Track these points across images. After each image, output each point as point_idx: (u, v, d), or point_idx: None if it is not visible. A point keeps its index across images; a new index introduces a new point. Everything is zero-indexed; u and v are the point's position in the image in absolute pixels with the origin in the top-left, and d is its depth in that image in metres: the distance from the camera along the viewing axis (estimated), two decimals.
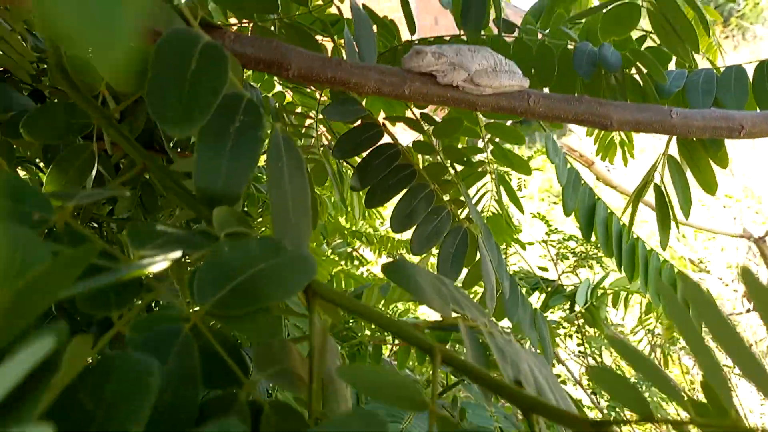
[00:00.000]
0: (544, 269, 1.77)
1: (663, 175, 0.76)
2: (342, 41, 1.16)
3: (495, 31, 0.82)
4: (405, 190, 0.75)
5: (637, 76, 0.76)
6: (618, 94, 0.73)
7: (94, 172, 0.64)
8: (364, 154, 0.76)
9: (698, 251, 3.28)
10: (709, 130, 0.58)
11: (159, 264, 0.32)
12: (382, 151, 0.76)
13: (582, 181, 0.99)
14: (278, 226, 0.41)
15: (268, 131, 0.44)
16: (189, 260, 0.50)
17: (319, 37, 0.78)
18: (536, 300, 1.82)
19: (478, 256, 0.79)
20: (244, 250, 0.36)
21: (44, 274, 0.23)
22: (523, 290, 1.79)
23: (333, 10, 0.95)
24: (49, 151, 0.71)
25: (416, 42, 0.87)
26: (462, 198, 0.87)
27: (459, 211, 0.91)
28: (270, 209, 0.41)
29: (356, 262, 2.10)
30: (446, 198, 0.83)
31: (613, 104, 0.56)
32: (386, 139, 0.79)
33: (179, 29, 0.39)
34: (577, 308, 1.57)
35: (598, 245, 1.09)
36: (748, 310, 2.77)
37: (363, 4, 0.86)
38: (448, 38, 0.84)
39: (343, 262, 2.05)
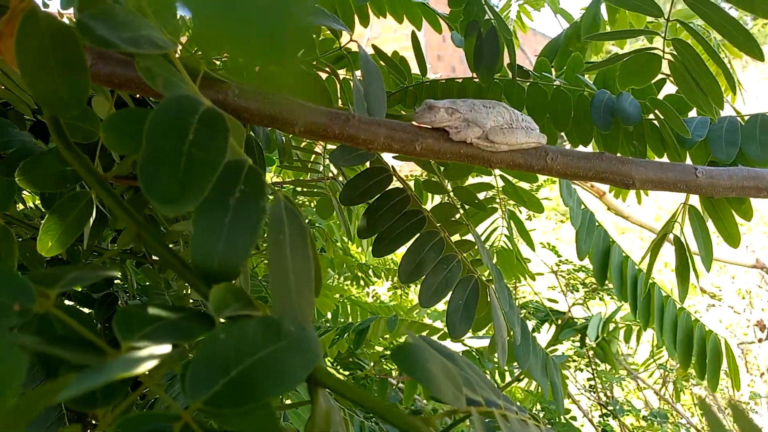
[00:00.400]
0: (554, 301, 1.73)
1: (683, 225, 0.73)
2: (346, 73, 1.14)
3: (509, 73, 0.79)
4: (414, 238, 0.73)
5: (656, 122, 0.73)
6: (636, 141, 0.71)
7: (92, 219, 0.62)
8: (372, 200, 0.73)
9: (709, 278, 3.23)
10: (737, 190, 0.55)
11: (146, 363, 0.30)
12: (391, 197, 0.74)
13: (596, 224, 0.96)
14: (278, 303, 0.38)
15: (270, 196, 0.41)
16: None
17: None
18: (546, 332, 1.78)
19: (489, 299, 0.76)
20: (241, 335, 0.33)
21: (9, 412, 0.20)
22: (532, 323, 1.75)
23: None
24: (46, 197, 0.68)
25: (428, 82, 0.85)
26: (471, 238, 0.85)
27: (468, 251, 0.88)
28: (269, 284, 0.39)
29: (362, 282, 2.07)
30: (455, 238, 0.80)
31: (636, 162, 0.53)
32: (394, 182, 0.77)
33: (177, 97, 0.37)
34: (588, 341, 1.53)
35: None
36: (760, 340, 2.72)
37: (372, 45, 0.84)
38: (460, 80, 0.82)
39: (348, 282, 2.01)
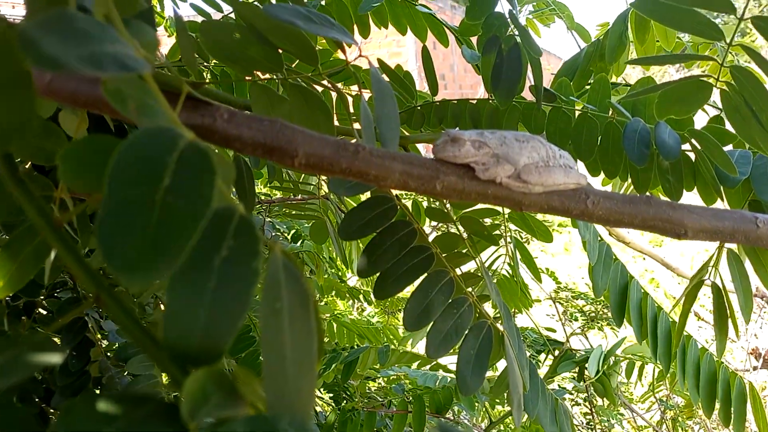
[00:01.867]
0: (552, 330, 1.66)
1: (716, 270, 0.66)
2: (350, 89, 1.06)
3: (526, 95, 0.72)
4: (421, 278, 0.65)
5: (691, 154, 0.66)
6: (671, 176, 0.63)
7: (53, 254, 0.54)
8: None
9: (706, 305, 3.19)
10: None
11: None
12: (395, 231, 0.66)
13: (613, 258, 0.89)
14: (272, 394, 0.30)
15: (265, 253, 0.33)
16: None
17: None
18: (543, 361, 1.71)
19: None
20: None
21: None
22: (529, 353, 1.68)
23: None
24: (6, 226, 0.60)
25: (437, 102, 0.77)
26: (479, 273, 0.77)
27: (474, 288, 0.81)
28: (262, 363, 0.30)
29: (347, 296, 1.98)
30: (458, 272, 0.73)
31: (688, 208, 0.46)
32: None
33: (151, 129, 0.29)
34: (587, 372, 1.46)
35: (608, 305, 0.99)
36: (755, 368, 2.67)
37: (378, 59, 0.77)
38: (474, 101, 0.74)
39: (333, 293, 1.92)
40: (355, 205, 0.80)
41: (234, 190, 0.68)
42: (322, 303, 1.79)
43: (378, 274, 0.64)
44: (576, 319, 1.70)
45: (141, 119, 0.34)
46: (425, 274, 0.65)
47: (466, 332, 0.63)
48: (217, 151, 0.52)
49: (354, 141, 0.43)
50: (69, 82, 0.40)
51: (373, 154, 0.43)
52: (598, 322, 1.67)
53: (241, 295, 0.29)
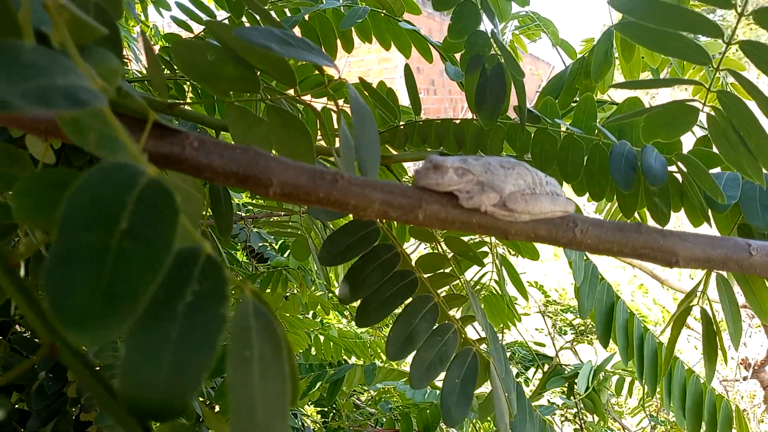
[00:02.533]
0: (541, 344, 1.64)
1: (704, 295, 0.64)
2: (338, 102, 1.04)
3: (514, 116, 0.70)
4: (405, 305, 0.63)
5: (678, 175, 0.65)
6: (658, 199, 0.62)
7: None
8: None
9: (695, 314, 3.19)
10: None
11: None
12: (378, 255, 0.64)
13: (600, 278, 0.87)
14: None
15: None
16: None
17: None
18: (532, 376, 1.69)
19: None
20: None
21: None
22: (516, 369, 1.66)
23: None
24: None
25: (420, 121, 0.75)
26: (463, 293, 0.75)
27: (458, 310, 0.79)
28: (230, 414, 0.28)
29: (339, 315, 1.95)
30: (442, 293, 0.71)
31: (679, 236, 0.45)
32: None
33: (107, 166, 0.27)
34: (577, 388, 1.44)
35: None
36: (744, 378, 2.67)
37: (360, 78, 0.75)
38: (458, 121, 0.73)
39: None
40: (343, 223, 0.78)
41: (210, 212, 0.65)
42: (309, 315, 1.76)
43: (360, 301, 0.62)
44: (565, 333, 1.68)
45: (100, 151, 0.32)
46: (409, 300, 0.63)
47: (451, 360, 0.61)
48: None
49: (332, 168, 0.41)
50: None
51: (351, 182, 0.41)
52: (588, 336, 1.65)
53: (207, 344, 0.27)
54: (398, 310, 0.65)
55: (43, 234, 0.42)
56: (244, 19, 0.89)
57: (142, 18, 1.91)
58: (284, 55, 0.43)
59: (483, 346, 0.67)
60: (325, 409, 1.44)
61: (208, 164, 0.38)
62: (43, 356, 0.29)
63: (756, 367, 2.05)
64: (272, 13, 0.97)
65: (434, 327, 0.62)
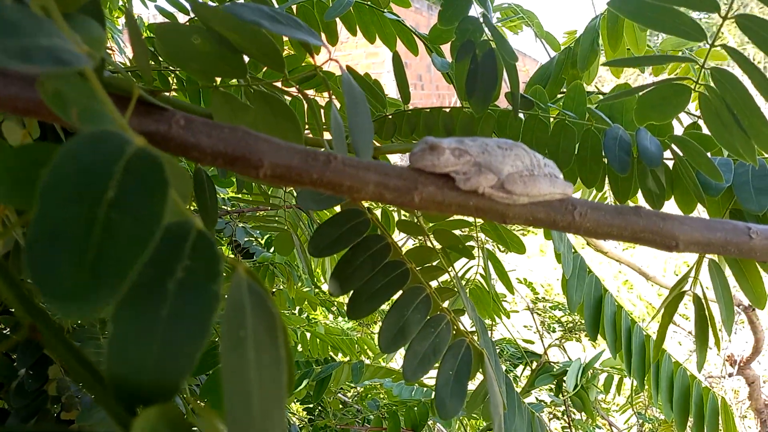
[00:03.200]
0: (530, 342, 1.64)
1: (697, 280, 0.64)
2: (324, 95, 1.03)
3: (503, 103, 0.69)
4: (396, 296, 0.62)
5: (669, 162, 0.64)
6: (654, 185, 0.61)
7: None
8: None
9: (682, 311, 3.22)
10: None
11: None
12: (368, 246, 0.62)
13: (587, 270, 0.87)
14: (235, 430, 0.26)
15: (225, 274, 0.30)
16: None
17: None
18: (521, 373, 1.68)
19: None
20: None
21: None
22: (505, 366, 1.65)
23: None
24: None
25: (409, 111, 0.74)
26: (452, 286, 0.74)
27: (448, 302, 0.78)
28: (224, 401, 0.27)
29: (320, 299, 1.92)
30: (433, 284, 0.70)
31: (679, 219, 0.44)
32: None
33: (94, 134, 0.25)
34: (565, 386, 1.44)
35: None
36: (730, 374, 2.69)
37: (347, 66, 0.73)
38: (447, 109, 0.72)
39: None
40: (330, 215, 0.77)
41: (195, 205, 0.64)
42: (296, 312, 1.74)
43: (351, 293, 0.60)
44: (554, 330, 1.68)
45: (84, 126, 0.30)
46: (400, 291, 0.62)
47: (444, 352, 0.60)
48: (179, 161, 0.48)
49: (326, 151, 0.40)
50: (7, 86, 0.36)
51: (345, 163, 0.39)
52: (576, 333, 1.65)
53: (199, 323, 0.25)
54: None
55: (17, 216, 0.40)
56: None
57: (126, 7, 1.88)
58: (274, 31, 0.42)
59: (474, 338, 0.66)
60: (311, 407, 1.42)
61: (195, 143, 0.37)
62: (23, 336, 0.27)
63: (741, 364, 2.07)
64: None
65: (427, 318, 0.61)
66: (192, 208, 0.76)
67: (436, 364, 0.61)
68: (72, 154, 0.25)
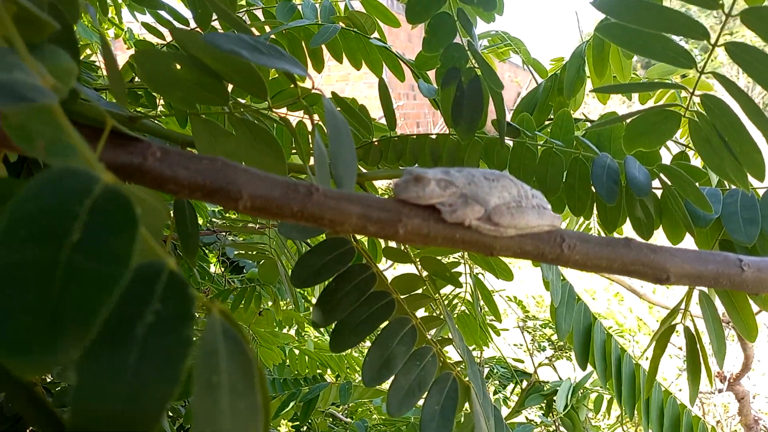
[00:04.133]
0: (519, 360, 1.62)
1: (687, 312, 0.63)
2: (314, 118, 1.02)
3: (490, 130, 0.69)
4: (381, 327, 0.60)
5: (657, 191, 0.64)
6: (642, 214, 0.61)
7: None
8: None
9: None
10: None
11: None
12: (353, 276, 0.61)
13: (576, 299, 0.86)
14: None
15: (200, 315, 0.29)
16: None
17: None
18: (510, 394, 1.67)
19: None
20: None
21: None
22: (494, 386, 1.64)
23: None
24: None
25: (396, 137, 0.73)
26: (437, 314, 0.73)
27: (435, 330, 0.76)
28: None
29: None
30: (420, 314, 0.68)
31: (669, 251, 0.43)
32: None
33: (58, 172, 0.24)
34: (555, 405, 1.42)
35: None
36: (720, 390, 2.68)
37: (333, 93, 0.73)
38: (434, 136, 0.71)
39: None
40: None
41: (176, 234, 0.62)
42: (286, 329, 1.71)
43: (335, 324, 0.59)
44: (544, 349, 1.67)
45: (51, 160, 0.29)
46: (386, 323, 0.60)
47: (430, 386, 0.58)
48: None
49: (306, 180, 0.39)
50: None
51: (327, 195, 0.38)
52: (567, 351, 1.64)
53: (170, 369, 0.24)
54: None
55: None
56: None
57: (116, 21, 1.86)
58: (255, 62, 0.41)
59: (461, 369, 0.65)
60: (298, 423, 1.40)
61: (172, 176, 0.35)
62: None
63: (731, 380, 2.06)
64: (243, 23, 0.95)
65: (412, 350, 0.60)
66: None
67: (422, 398, 0.59)
68: (34, 193, 0.23)
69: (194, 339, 0.25)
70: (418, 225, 0.40)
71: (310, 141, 0.80)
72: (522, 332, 1.75)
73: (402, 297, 0.66)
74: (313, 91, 0.50)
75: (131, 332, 0.24)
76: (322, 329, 1.87)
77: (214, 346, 0.27)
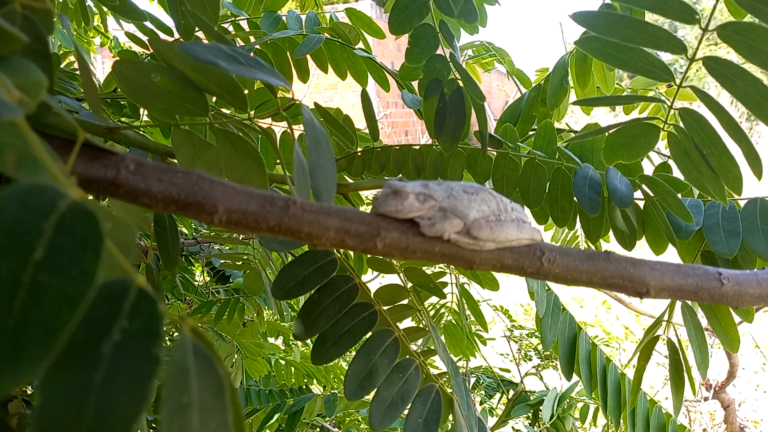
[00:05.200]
0: (506, 370, 1.62)
1: (670, 324, 0.63)
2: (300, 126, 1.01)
3: (473, 141, 0.69)
4: (364, 339, 0.60)
5: (640, 202, 0.64)
6: (625, 225, 0.61)
7: None
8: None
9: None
10: (767, 299, 0.45)
11: None
12: (335, 288, 0.61)
13: (562, 308, 0.86)
14: None
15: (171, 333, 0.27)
16: None
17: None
18: (497, 404, 1.66)
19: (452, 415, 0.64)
20: None
21: None
22: (479, 398, 1.63)
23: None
24: None
25: (378, 148, 0.73)
26: (423, 325, 0.73)
27: (421, 341, 0.75)
28: None
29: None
30: (405, 324, 0.68)
31: (650, 265, 0.43)
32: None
33: (23, 188, 0.23)
34: (541, 415, 1.41)
35: None
36: (706, 398, 2.69)
37: (315, 103, 0.72)
38: (417, 147, 0.71)
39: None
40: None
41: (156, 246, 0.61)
42: (271, 339, 1.69)
43: (316, 337, 0.58)
44: (530, 359, 1.67)
45: (19, 175, 0.28)
46: (369, 334, 0.60)
47: (413, 398, 0.58)
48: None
49: (284, 194, 0.38)
50: None
51: (305, 209, 0.38)
52: (553, 360, 1.64)
53: (137, 389, 0.23)
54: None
55: None
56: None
57: (102, 29, 1.85)
58: (232, 72, 0.40)
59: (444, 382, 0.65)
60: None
61: (145, 189, 0.35)
62: None
63: (717, 388, 2.07)
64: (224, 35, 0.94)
65: (395, 363, 0.59)
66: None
67: (406, 410, 0.59)
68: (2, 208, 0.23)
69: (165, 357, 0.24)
70: (396, 239, 0.39)
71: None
72: (508, 341, 1.74)
73: (386, 308, 0.65)
74: (295, 101, 0.50)
75: (97, 351, 0.23)
76: (309, 340, 1.86)
77: (185, 365, 0.26)
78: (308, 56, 0.92)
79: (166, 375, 0.25)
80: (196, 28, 0.76)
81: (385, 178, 0.78)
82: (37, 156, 0.26)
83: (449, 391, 0.61)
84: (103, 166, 0.35)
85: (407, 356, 0.60)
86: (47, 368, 0.22)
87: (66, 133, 0.35)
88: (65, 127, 0.34)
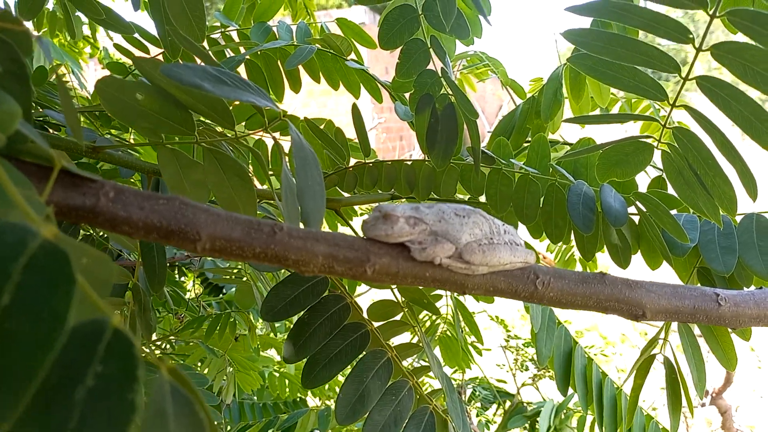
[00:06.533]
0: (503, 381, 1.61)
1: (666, 342, 0.62)
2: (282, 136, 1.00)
3: (467, 156, 0.68)
4: (356, 361, 0.59)
5: (635, 217, 0.63)
6: (619, 242, 0.60)
7: None
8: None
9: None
10: (764, 320, 0.44)
11: None
12: (326, 308, 0.60)
13: (557, 323, 0.85)
14: None
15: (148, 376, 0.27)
16: None
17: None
18: (492, 415, 1.65)
19: None
20: None
21: None
22: (475, 410, 1.62)
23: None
24: None
25: (371, 163, 0.72)
26: (416, 341, 0.71)
27: (415, 356, 0.74)
28: None
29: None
30: (398, 340, 0.67)
31: (646, 287, 0.42)
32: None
33: None
34: (538, 427, 1.40)
35: None
36: (702, 404, 2.69)
37: (305, 118, 0.72)
38: (409, 162, 0.70)
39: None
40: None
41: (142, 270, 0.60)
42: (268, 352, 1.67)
43: (307, 359, 0.57)
44: (527, 369, 1.66)
45: None
46: (361, 356, 0.59)
47: (406, 421, 0.57)
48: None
49: (270, 221, 0.37)
50: None
51: (292, 235, 0.37)
52: (549, 371, 1.63)
53: None
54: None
55: None
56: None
57: (92, 40, 1.83)
58: (218, 94, 0.39)
59: (438, 401, 0.63)
60: None
61: (126, 217, 0.34)
62: None
63: (714, 395, 2.07)
64: (210, 54, 0.93)
65: (388, 384, 0.58)
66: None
67: None
68: None
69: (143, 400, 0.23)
70: (387, 264, 0.38)
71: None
72: (504, 352, 1.73)
73: (379, 324, 0.64)
74: (282, 120, 0.49)
75: (70, 397, 0.22)
76: None
77: (163, 409, 0.25)
78: (300, 66, 0.91)
79: (143, 418, 0.24)
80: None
81: (378, 192, 0.77)
82: (7, 192, 0.25)
83: (443, 409, 0.60)
84: (81, 194, 0.33)
85: (400, 377, 0.59)
86: (18, 417, 0.21)
87: (44, 159, 0.34)
88: (42, 154, 0.33)
